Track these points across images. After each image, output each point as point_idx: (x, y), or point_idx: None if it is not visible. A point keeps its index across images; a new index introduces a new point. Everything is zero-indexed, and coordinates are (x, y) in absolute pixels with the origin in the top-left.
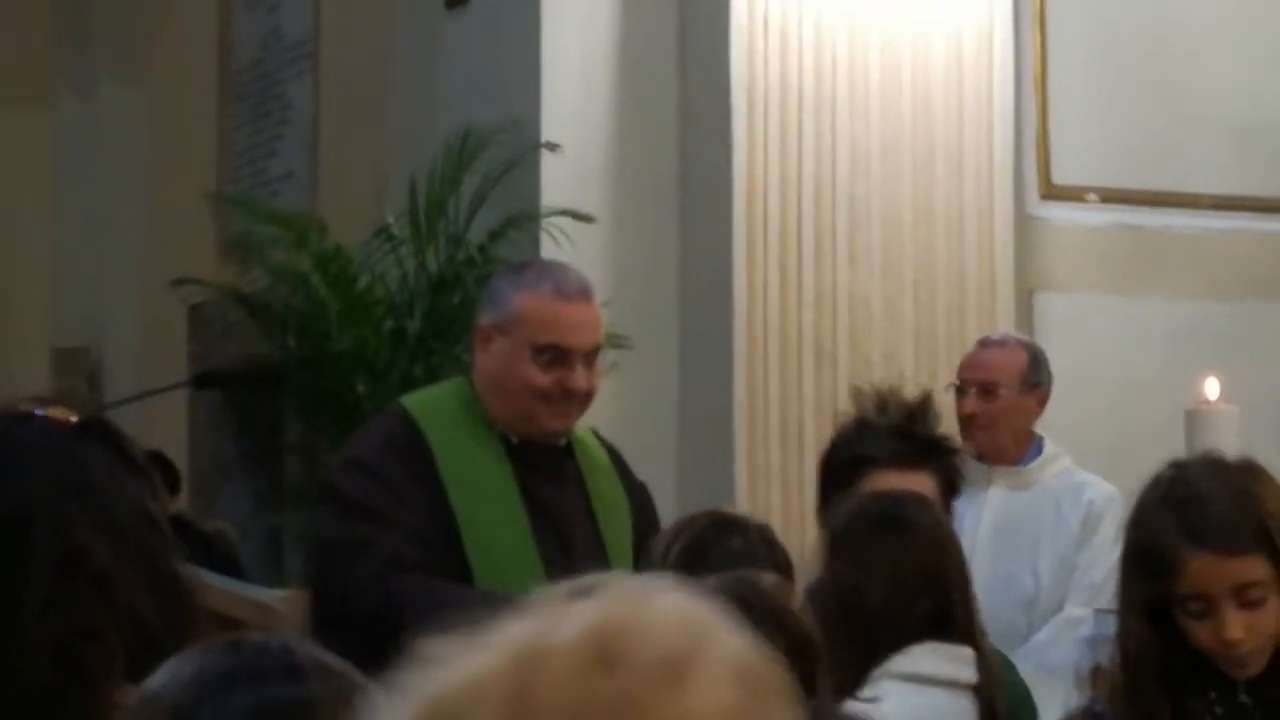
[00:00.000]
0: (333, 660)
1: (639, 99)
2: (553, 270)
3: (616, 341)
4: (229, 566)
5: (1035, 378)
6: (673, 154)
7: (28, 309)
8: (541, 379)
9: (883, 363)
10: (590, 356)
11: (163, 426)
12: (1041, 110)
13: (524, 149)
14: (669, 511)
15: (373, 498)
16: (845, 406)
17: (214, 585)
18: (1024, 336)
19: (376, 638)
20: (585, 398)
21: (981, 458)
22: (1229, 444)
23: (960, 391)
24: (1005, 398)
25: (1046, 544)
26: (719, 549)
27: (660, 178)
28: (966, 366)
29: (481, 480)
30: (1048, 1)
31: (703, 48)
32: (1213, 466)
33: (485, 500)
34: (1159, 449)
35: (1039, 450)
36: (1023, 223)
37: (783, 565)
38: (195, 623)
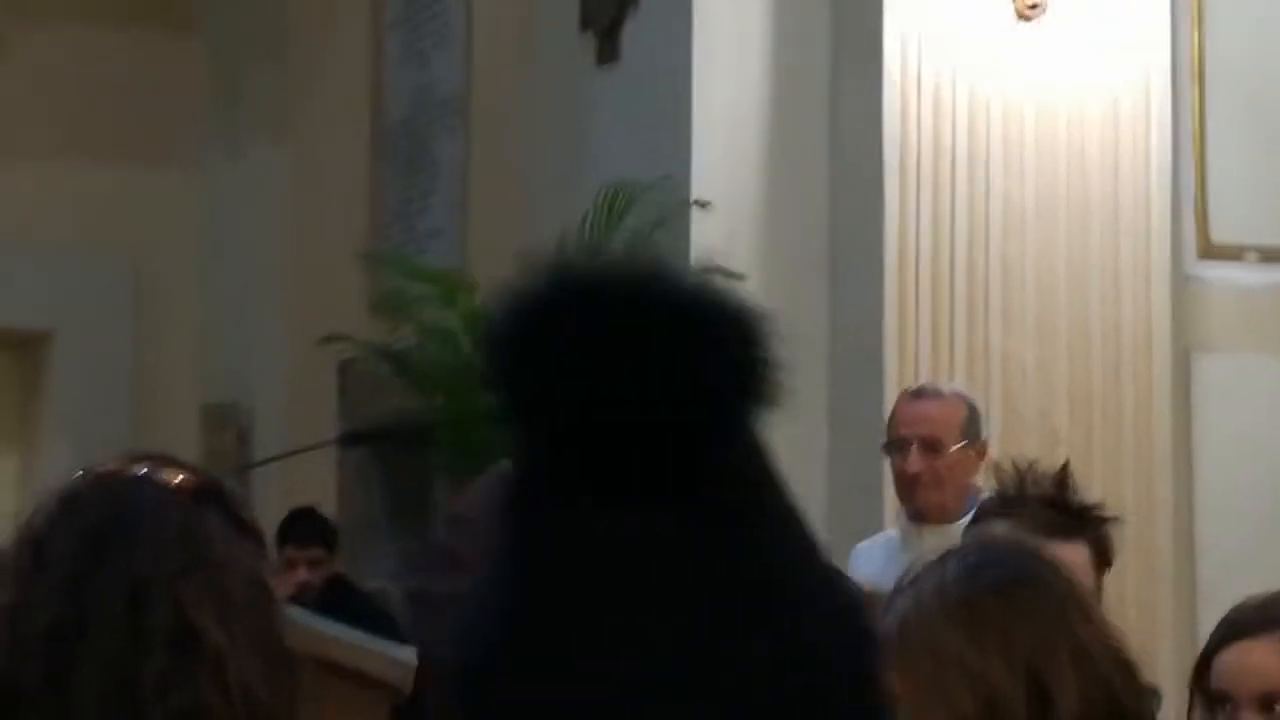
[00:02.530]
0: None
1: (790, 155)
2: None
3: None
4: (387, 626)
5: (975, 429)
6: (824, 211)
7: (178, 368)
8: None
9: (1037, 423)
10: None
11: (311, 485)
12: (1200, 168)
13: (673, 206)
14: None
15: (469, 553)
16: (983, 482)
17: (355, 644)
18: (957, 386)
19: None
20: None
21: (916, 517)
22: None
23: (897, 448)
24: (951, 453)
25: None
26: None
27: (810, 235)
28: (905, 421)
29: None
30: (1207, 58)
31: (855, 104)
32: None
33: None
34: None
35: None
36: (1180, 282)
37: None
38: (298, 693)
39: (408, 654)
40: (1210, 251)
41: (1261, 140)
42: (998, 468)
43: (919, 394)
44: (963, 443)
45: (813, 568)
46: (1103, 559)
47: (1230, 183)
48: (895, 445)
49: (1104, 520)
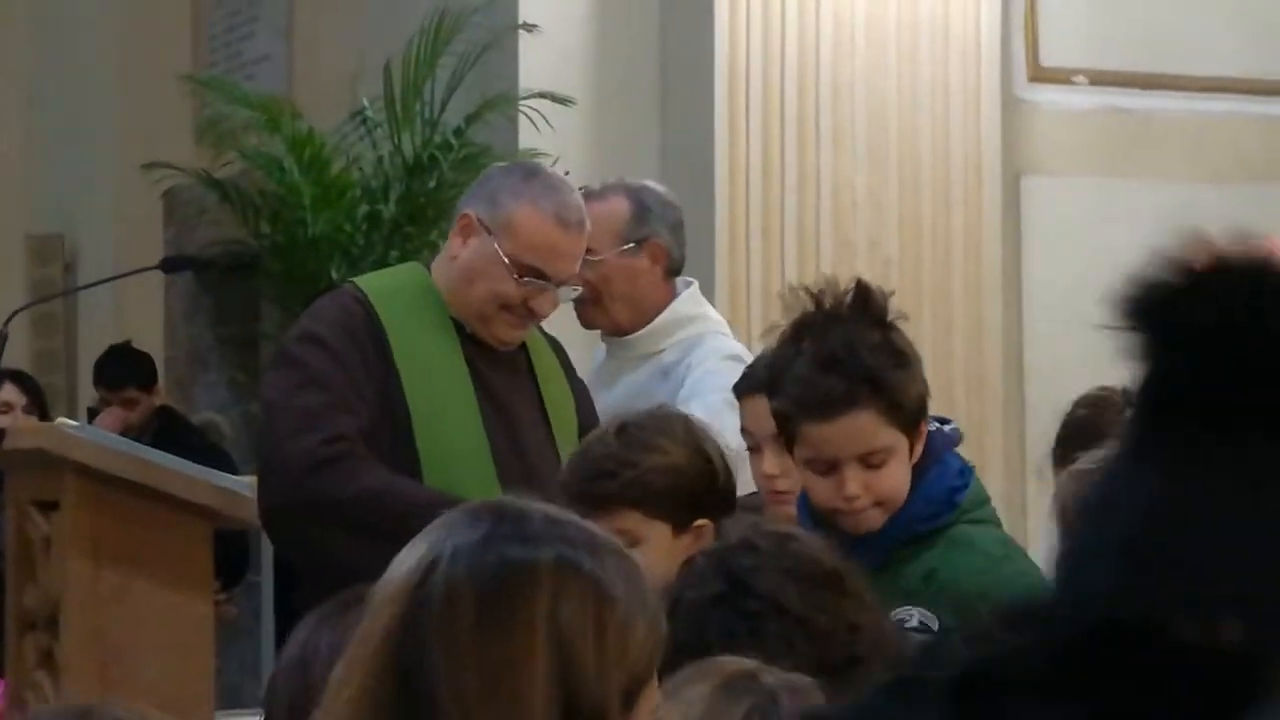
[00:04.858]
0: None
1: None
2: (558, 189)
3: None
4: (218, 458)
5: (642, 230)
6: (653, 34)
7: (3, 197)
8: (512, 292)
9: (867, 248)
10: (564, 282)
11: (139, 315)
12: None
13: (501, 30)
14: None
15: (328, 373)
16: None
17: (183, 473)
18: (633, 181)
19: (311, 509)
20: (543, 317)
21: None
22: None
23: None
24: (607, 262)
25: None
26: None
27: (641, 59)
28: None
29: (435, 368)
30: None
31: None
32: None
33: (438, 389)
34: None
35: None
36: (1010, 105)
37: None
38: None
39: (232, 481)
40: (1040, 75)
41: None
42: (792, 296)
43: (582, 195)
44: (625, 246)
45: None
46: (897, 410)
47: (1060, 5)
48: None
49: (880, 379)
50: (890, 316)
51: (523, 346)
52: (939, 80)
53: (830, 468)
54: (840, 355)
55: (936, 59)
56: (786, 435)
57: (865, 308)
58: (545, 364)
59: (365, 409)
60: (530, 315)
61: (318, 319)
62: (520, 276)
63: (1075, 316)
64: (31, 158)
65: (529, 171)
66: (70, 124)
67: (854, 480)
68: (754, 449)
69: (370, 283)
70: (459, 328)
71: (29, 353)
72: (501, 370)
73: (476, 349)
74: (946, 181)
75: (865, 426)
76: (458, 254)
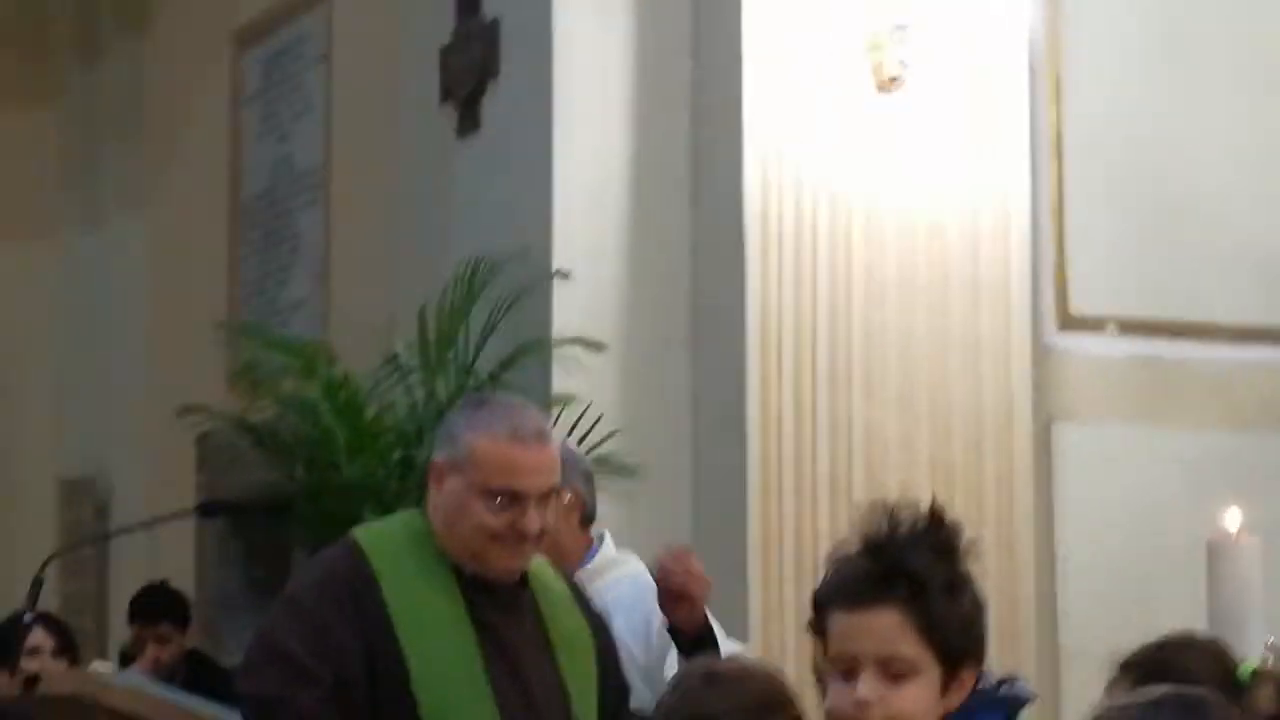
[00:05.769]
0: None
1: (652, 226)
2: (509, 411)
3: (628, 471)
4: None
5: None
6: (686, 282)
7: (36, 441)
8: (494, 521)
9: (899, 495)
10: (544, 498)
11: (170, 559)
12: (1059, 240)
13: (535, 277)
14: None
15: (297, 644)
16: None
17: (209, 717)
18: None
19: None
20: (538, 538)
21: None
22: (1251, 575)
23: (517, 501)
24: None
25: None
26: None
27: (673, 306)
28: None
29: (432, 617)
30: (1065, 131)
31: (717, 175)
32: None
33: (436, 637)
34: (1181, 580)
35: (593, 556)
36: (1040, 353)
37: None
38: None
39: None
40: (1070, 323)
41: (1119, 211)
42: (867, 510)
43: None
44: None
45: None
46: (929, 624)
47: (1089, 254)
48: (514, 499)
49: (917, 579)
50: (961, 551)
51: (526, 584)
52: (969, 328)
53: (850, 670)
54: (888, 552)
55: (967, 307)
56: (821, 634)
57: (933, 534)
58: (553, 598)
59: (332, 670)
60: (521, 539)
61: (302, 577)
62: (496, 503)
63: (1108, 562)
64: (64, 402)
65: (478, 402)
66: (102, 368)
67: (869, 684)
68: (822, 682)
69: (366, 533)
70: (459, 572)
71: (59, 595)
72: (504, 611)
73: (477, 592)
74: (978, 427)
75: (891, 625)
76: (436, 501)
